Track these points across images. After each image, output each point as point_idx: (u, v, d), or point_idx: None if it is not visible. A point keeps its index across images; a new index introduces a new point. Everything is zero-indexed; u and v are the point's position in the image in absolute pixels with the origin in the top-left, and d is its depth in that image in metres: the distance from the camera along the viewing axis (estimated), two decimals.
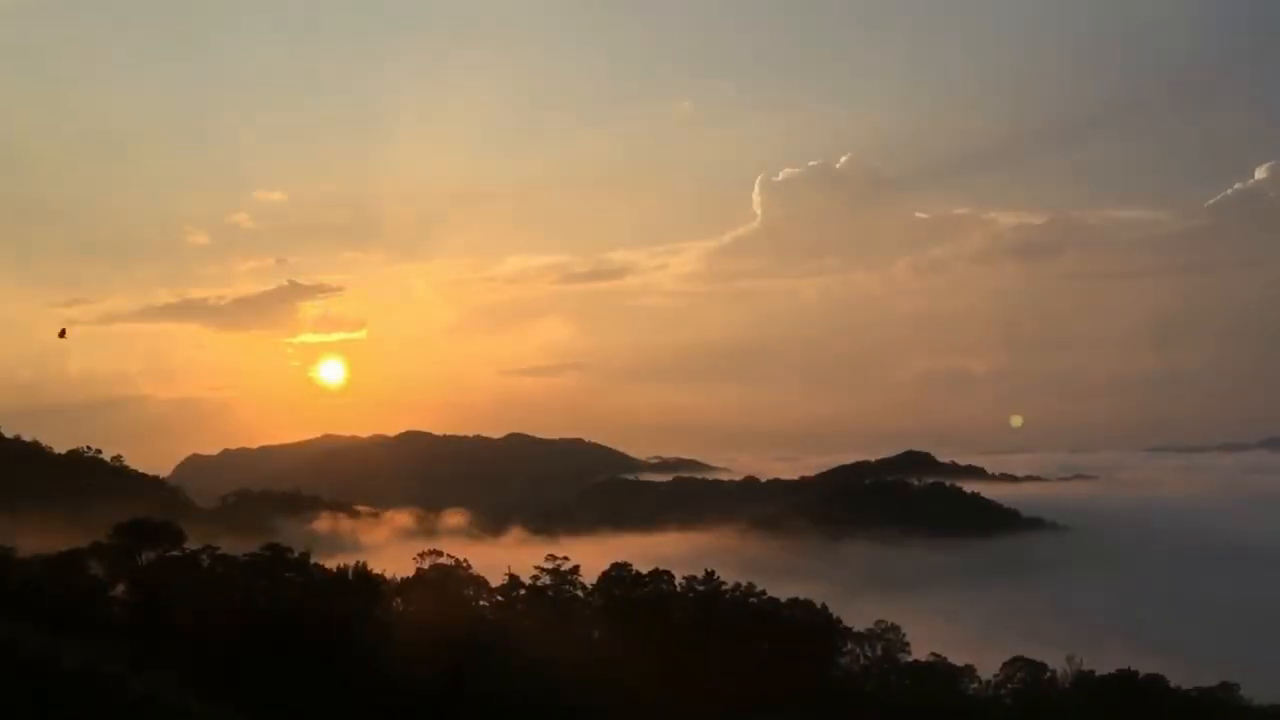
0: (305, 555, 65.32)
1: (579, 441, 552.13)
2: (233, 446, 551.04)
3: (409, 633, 63.10)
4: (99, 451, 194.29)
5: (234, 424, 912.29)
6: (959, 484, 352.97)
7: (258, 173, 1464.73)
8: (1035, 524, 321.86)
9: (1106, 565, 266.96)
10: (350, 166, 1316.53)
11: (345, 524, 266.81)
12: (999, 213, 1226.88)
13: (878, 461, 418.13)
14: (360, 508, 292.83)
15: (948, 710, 77.23)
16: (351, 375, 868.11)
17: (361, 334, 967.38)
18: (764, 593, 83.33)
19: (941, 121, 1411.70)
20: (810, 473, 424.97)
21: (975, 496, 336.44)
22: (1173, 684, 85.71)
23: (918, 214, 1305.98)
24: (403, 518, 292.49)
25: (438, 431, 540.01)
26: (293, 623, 56.28)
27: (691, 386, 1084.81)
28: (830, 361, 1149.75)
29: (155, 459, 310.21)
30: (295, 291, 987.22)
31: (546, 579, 79.38)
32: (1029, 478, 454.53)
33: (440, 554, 76.54)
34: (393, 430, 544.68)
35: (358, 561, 68.04)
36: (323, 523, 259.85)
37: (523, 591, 78.34)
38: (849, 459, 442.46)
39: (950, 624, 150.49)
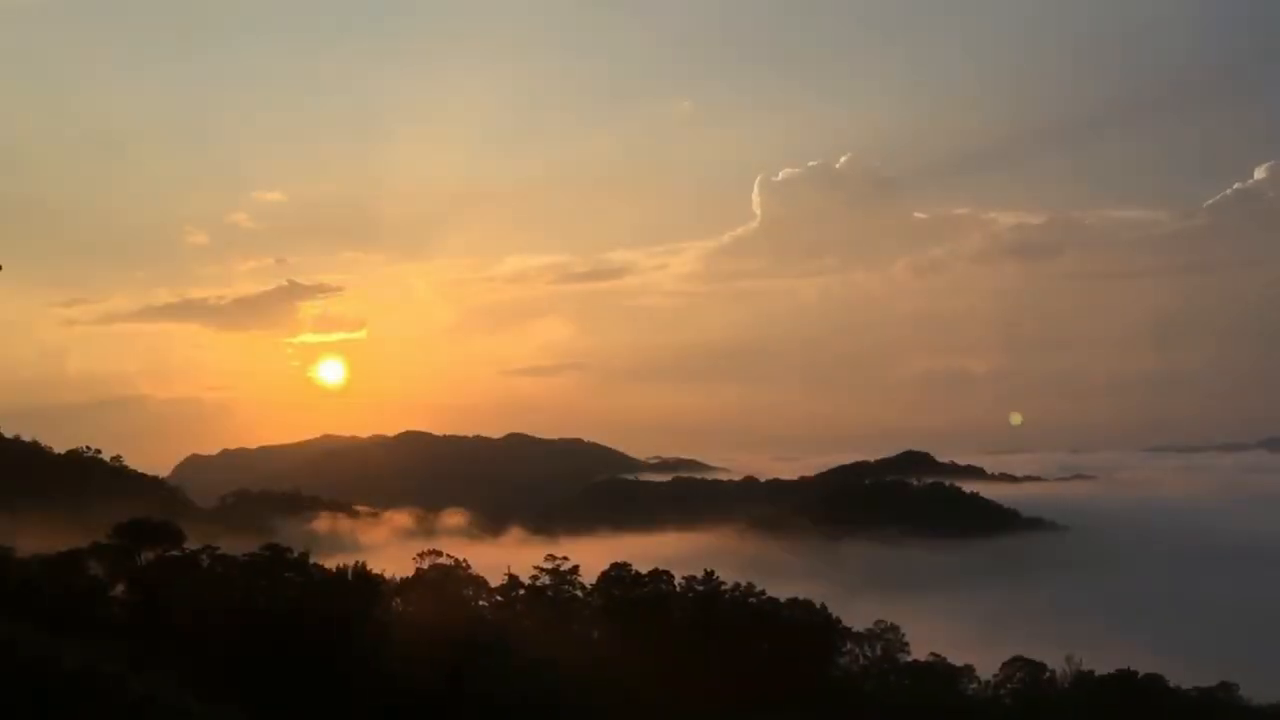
0: (305, 555, 65.22)
1: (579, 441, 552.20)
2: (232, 446, 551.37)
3: (408, 633, 63.06)
4: (98, 451, 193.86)
5: (233, 424, 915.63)
6: (958, 484, 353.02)
7: (257, 173, 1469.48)
8: (1035, 524, 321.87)
9: (1106, 565, 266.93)
10: (350, 166, 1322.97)
11: (345, 524, 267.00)
12: (998, 213, 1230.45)
13: (877, 461, 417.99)
14: (359, 508, 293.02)
15: (947, 710, 77.24)
16: (351, 375, 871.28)
17: (361, 334, 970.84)
18: (763, 593, 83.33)
19: (941, 121, 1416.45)
20: (810, 473, 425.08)
21: (975, 496, 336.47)
22: (1172, 684, 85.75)
23: (917, 214, 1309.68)
24: (402, 518, 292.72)
25: (437, 431, 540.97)
26: (292, 623, 56.23)
27: (691, 386, 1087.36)
28: (830, 361, 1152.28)
29: (155, 459, 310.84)
30: (295, 291, 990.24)
31: (546, 579, 79.35)
32: (1028, 478, 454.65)
33: (440, 554, 76.50)
34: (392, 430, 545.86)
35: (357, 561, 67.91)
36: (322, 523, 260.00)
37: (522, 591, 78.32)
38: (848, 459, 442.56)
39: (949, 624, 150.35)
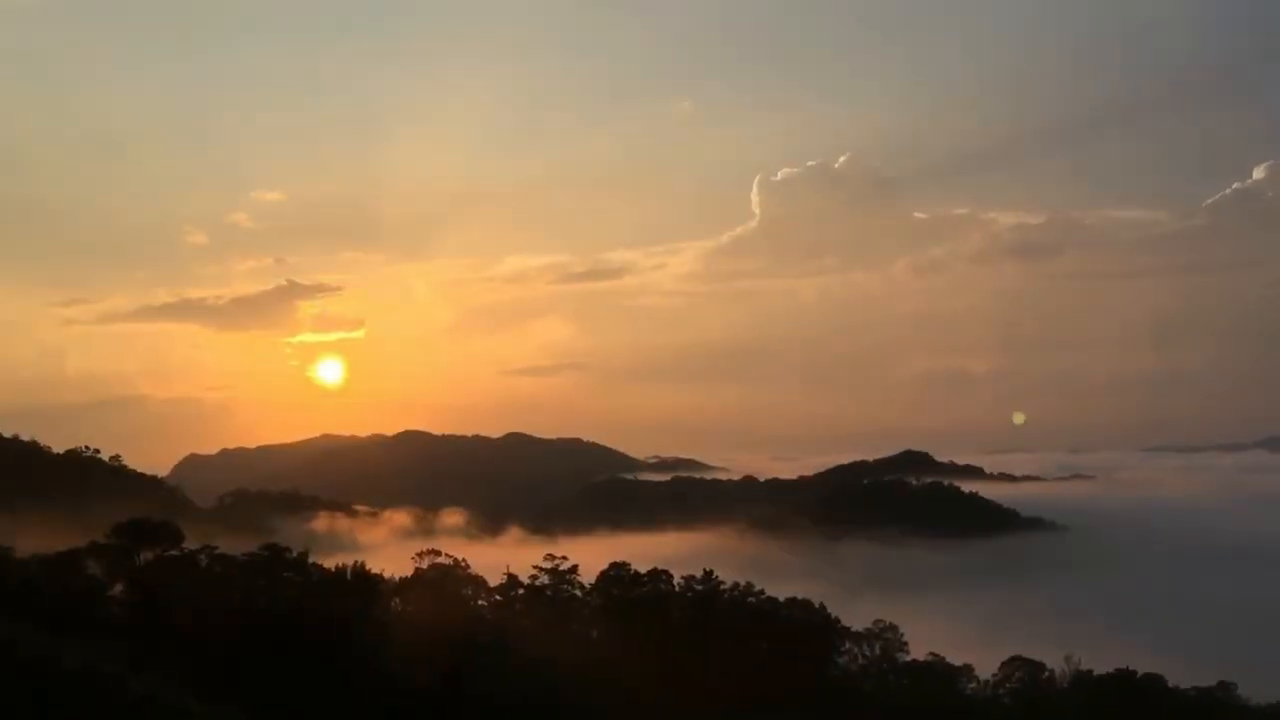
0: (304, 555, 65.16)
1: (578, 441, 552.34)
2: (231, 446, 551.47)
3: (407, 632, 63.02)
4: (98, 451, 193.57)
5: (232, 424, 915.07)
6: (958, 484, 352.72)
7: (257, 173, 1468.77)
8: (1034, 524, 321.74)
9: (1105, 565, 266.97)
10: (350, 166, 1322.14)
11: (344, 524, 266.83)
12: (998, 213, 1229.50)
13: (876, 461, 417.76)
14: (359, 507, 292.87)
15: (946, 710, 77.26)
16: (350, 375, 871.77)
17: (360, 334, 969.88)
18: (762, 592, 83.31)
19: (941, 121, 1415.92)
20: (809, 472, 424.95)
21: (974, 496, 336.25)
22: (1171, 684, 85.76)
23: (917, 214, 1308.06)
24: (401, 517, 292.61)
25: (436, 431, 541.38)
26: (291, 622, 56.23)
27: (691, 386, 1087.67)
28: (829, 361, 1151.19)
29: (154, 459, 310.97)
30: (294, 291, 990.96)
31: (545, 579, 79.30)
32: (1028, 477, 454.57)
33: (439, 554, 76.45)
34: (391, 430, 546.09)
35: (356, 561, 67.83)
36: (321, 522, 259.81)
37: (521, 591, 78.28)
38: (847, 459, 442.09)
39: (949, 623, 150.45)
